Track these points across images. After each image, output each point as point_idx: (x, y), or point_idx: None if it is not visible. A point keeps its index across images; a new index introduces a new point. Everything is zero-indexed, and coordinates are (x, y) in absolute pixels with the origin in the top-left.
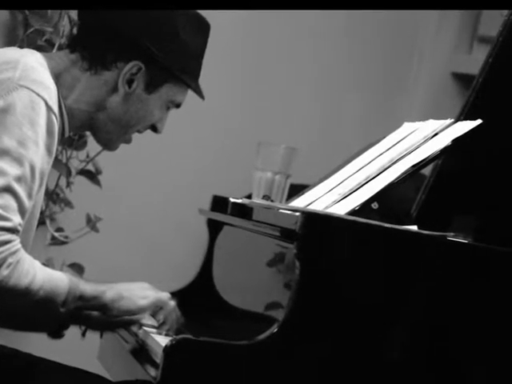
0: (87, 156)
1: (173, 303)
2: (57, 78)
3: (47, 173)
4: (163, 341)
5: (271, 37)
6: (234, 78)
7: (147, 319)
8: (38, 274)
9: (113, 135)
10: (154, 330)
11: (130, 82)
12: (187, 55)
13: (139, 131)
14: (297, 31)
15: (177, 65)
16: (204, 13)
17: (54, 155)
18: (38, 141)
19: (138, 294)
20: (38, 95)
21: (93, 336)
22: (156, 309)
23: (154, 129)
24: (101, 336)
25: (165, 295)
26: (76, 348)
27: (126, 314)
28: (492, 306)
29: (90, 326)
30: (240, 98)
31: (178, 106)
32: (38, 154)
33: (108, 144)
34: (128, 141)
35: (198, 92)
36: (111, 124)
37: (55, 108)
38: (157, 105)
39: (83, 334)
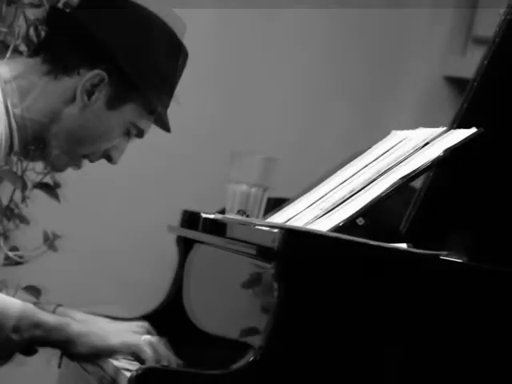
0: (45, 168)
1: (150, 354)
2: (8, 83)
3: None
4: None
5: (248, 37)
6: (207, 82)
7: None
8: None
9: (62, 151)
10: (126, 366)
11: (90, 94)
12: (159, 77)
13: (91, 160)
14: (275, 32)
15: (145, 83)
16: (177, 11)
17: None
18: None
19: (111, 331)
20: None
21: (50, 367)
22: (134, 355)
23: (109, 158)
24: (59, 366)
25: (142, 342)
26: (35, 379)
27: (92, 351)
28: (489, 329)
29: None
30: (213, 103)
31: (139, 134)
32: None
33: (54, 161)
34: (78, 164)
35: (164, 122)
36: (63, 138)
37: None
38: (116, 125)
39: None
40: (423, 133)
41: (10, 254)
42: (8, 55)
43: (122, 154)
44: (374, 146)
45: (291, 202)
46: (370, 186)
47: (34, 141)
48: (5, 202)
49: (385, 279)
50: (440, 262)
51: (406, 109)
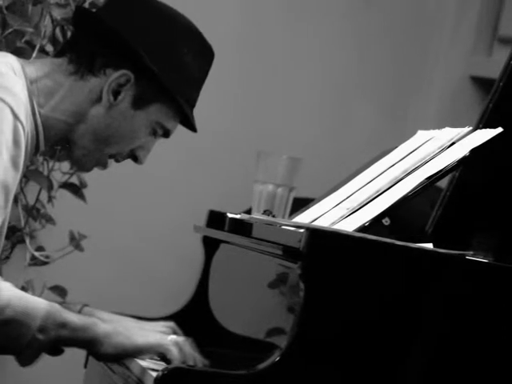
0: (71, 168)
1: (176, 354)
2: (34, 83)
3: (14, 189)
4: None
5: (272, 37)
6: (231, 82)
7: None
8: (3, 291)
9: (88, 151)
10: (151, 366)
11: (116, 94)
12: (185, 77)
13: (117, 160)
14: (300, 31)
15: (172, 83)
16: (200, 8)
17: (20, 170)
18: (2, 150)
19: (137, 331)
20: (3, 101)
21: (76, 367)
22: (160, 355)
23: (135, 158)
24: (85, 365)
25: (169, 342)
26: (61, 378)
27: (118, 351)
28: None
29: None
30: (238, 103)
31: (166, 133)
32: (1, 165)
33: (80, 162)
34: (104, 164)
35: (191, 122)
36: (89, 137)
37: (22, 117)
38: (142, 124)
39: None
40: (449, 133)
41: (36, 254)
42: (34, 55)
43: (148, 154)
44: (400, 146)
45: (317, 202)
46: (396, 185)
47: (59, 141)
48: (31, 202)
49: (411, 279)
50: (466, 262)
51: (431, 109)
